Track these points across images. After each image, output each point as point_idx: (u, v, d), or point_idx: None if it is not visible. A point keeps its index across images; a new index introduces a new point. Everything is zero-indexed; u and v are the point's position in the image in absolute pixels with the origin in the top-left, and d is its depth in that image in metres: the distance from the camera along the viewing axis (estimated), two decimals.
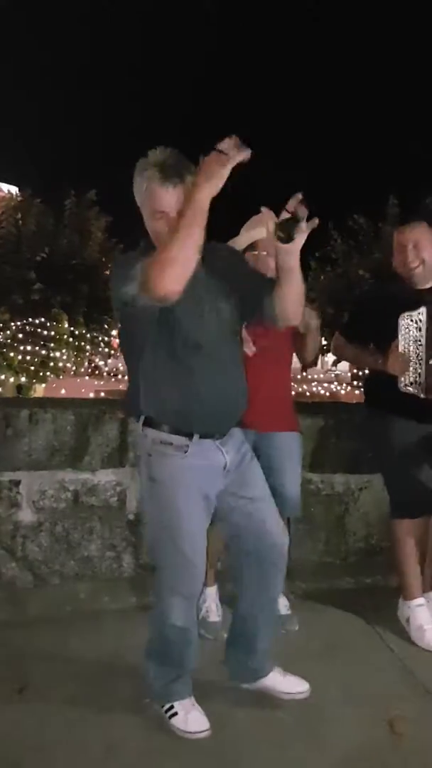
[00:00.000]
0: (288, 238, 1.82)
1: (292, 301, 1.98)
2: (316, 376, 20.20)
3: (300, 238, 1.85)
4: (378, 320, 2.83)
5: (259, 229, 2.57)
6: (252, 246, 2.72)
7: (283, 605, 2.90)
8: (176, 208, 1.86)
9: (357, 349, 3.04)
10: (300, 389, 18.98)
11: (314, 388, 20.37)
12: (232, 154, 1.69)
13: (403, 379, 2.76)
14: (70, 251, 15.44)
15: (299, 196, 1.79)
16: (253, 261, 2.72)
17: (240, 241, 2.69)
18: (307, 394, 19.69)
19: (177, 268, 1.74)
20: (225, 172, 1.71)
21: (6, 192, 21.63)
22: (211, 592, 2.93)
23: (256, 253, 2.71)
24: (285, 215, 1.82)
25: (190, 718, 2.15)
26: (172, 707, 2.18)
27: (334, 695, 2.35)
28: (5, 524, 3.05)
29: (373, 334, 2.92)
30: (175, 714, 2.17)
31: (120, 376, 18.45)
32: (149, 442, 2.04)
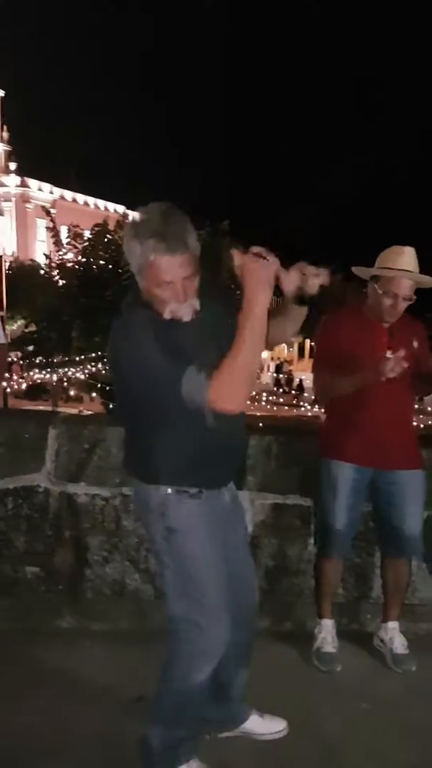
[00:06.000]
0: (301, 301, 1.97)
1: (288, 336, 2.13)
2: (430, 409, 19.47)
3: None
4: None
5: None
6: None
7: (400, 644, 2.86)
8: (183, 274, 1.81)
9: None
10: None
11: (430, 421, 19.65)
12: (271, 260, 1.74)
13: None
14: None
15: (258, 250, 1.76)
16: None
17: None
18: (421, 426, 19.00)
19: (247, 386, 1.76)
20: (272, 277, 1.75)
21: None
22: (327, 624, 2.92)
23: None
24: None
25: None
26: None
27: None
28: (130, 536, 3.17)
29: None
30: None
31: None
32: (162, 493, 1.94)
